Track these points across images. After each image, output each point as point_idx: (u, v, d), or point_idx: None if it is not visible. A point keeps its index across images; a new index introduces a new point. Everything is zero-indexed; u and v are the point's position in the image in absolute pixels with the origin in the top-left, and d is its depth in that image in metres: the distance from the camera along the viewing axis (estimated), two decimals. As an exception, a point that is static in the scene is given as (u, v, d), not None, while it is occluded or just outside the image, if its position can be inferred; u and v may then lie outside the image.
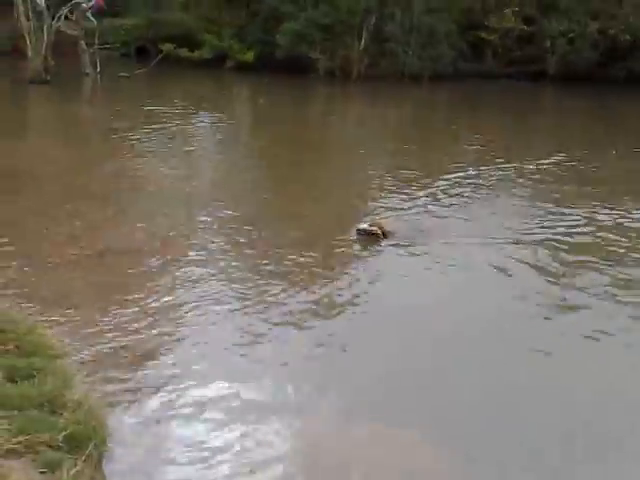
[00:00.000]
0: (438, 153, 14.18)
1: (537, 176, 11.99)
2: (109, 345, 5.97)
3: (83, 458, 3.89)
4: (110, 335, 6.18)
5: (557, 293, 7.41)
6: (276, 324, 6.53)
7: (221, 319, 6.62)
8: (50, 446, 3.99)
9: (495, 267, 7.99)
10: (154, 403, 5.20)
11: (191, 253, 8.20)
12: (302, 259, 8.02)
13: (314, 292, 7.21)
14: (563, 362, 6.06)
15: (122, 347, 6.05)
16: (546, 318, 6.88)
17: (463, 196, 10.73)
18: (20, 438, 3.83)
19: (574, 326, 6.74)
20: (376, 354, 6.08)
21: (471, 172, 12.03)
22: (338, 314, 6.85)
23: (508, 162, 12.76)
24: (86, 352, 5.75)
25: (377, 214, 9.82)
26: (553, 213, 9.94)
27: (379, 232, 8.76)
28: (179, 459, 4.61)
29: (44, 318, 6.02)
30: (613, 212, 10.01)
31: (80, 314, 6.52)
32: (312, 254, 8.17)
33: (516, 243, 8.73)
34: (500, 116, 18.51)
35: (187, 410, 5.12)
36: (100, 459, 4.16)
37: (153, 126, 14.75)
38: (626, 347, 6.40)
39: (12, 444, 3.74)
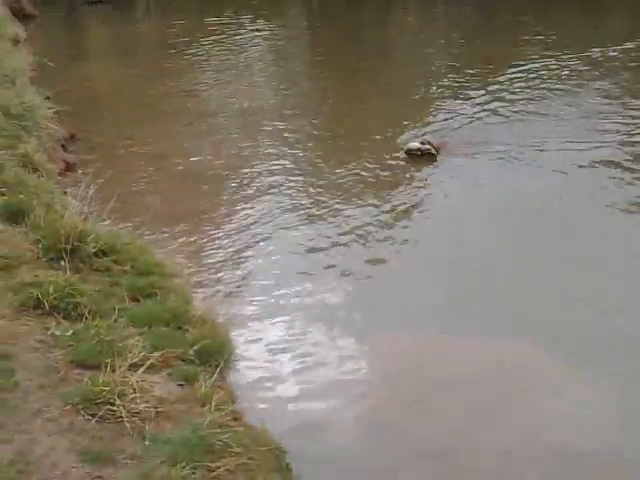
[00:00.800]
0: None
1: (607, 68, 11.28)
2: (211, 262, 6.11)
3: (217, 371, 4.04)
4: (209, 252, 6.34)
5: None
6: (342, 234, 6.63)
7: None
8: (183, 360, 4.15)
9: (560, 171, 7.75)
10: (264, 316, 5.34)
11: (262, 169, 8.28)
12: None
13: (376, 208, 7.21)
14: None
15: (221, 263, 6.22)
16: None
17: (528, 92, 10.21)
18: (156, 354, 3.97)
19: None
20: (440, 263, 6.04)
21: (536, 65, 11.38)
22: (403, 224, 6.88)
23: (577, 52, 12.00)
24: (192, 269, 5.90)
25: (432, 123, 9.34)
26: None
27: (432, 150, 8.19)
28: (292, 373, 4.76)
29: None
30: None
31: (173, 234, 6.69)
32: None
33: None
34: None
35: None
36: (227, 372, 4.31)
37: (211, 39, 14.55)
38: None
39: (151, 360, 3.88)
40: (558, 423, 4.24)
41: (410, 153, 8.20)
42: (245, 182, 7.98)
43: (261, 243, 6.62)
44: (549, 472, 3.90)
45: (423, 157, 8.15)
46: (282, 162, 8.55)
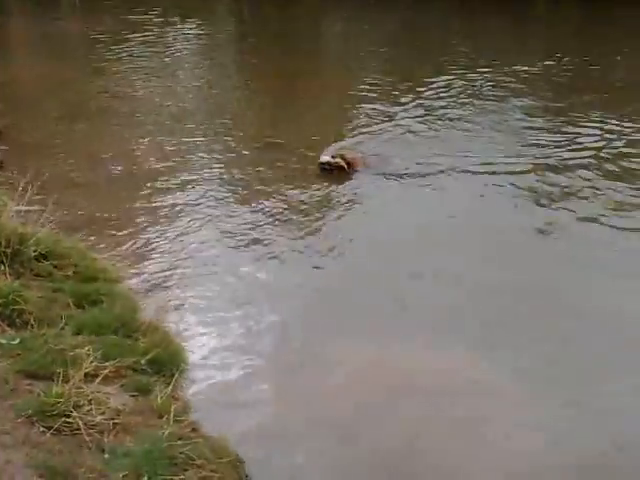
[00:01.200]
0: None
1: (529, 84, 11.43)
2: (154, 266, 6.02)
3: (173, 381, 3.98)
4: (150, 257, 6.25)
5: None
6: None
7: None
8: (135, 370, 4.07)
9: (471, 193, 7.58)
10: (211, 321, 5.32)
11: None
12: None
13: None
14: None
15: (163, 267, 6.13)
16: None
17: (452, 109, 10.14)
18: (108, 364, 3.87)
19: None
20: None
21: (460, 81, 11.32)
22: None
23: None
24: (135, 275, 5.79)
25: (347, 137, 9.13)
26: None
27: (343, 164, 7.98)
28: (248, 374, 4.77)
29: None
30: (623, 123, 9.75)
31: (103, 239, 6.53)
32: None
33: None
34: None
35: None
36: (181, 381, 4.26)
37: (139, 37, 14.25)
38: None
39: (103, 371, 3.78)
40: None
41: (322, 167, 8.02)
42: (175, 184, 7.88)
43: (199, 246, 6.58)
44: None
45: (334, 171, 7.95)
46: (207, 165, 8.50)
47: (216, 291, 5.79)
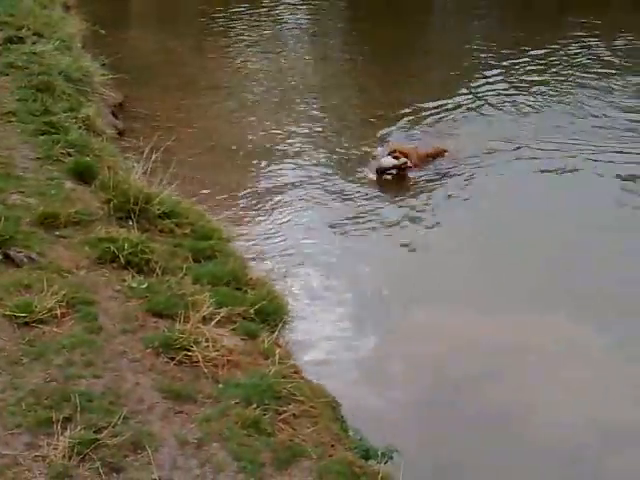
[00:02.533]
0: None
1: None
2: (261, 232, 6.52)
3: (278, 329, 4.41)
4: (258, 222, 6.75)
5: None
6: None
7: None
8: (244, 318, 4.52)
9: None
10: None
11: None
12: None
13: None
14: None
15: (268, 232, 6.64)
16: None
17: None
18: (223, 309, 4.33)
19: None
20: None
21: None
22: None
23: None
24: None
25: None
26: None
27: (410, 163, 7.27)
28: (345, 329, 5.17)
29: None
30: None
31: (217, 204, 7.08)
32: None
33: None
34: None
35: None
36: (284, 331, 4.68)
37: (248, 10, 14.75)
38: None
39: (217, 315, 4.24)
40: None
41: (384, 172, 7.29)
42: (287, 160, 8.34)
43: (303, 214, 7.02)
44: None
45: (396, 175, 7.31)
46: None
47: (318, 258, 6.20)
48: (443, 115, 9.33)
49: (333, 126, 9.31)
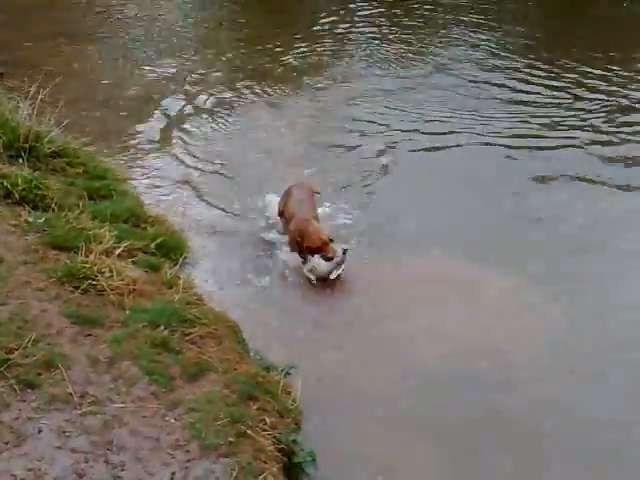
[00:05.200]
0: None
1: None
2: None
3: (180, 261, 4.57)
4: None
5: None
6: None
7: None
8: (145, 252, 4.63)
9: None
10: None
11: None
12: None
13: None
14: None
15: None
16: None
17: None
18: (123, 243, 4.42)
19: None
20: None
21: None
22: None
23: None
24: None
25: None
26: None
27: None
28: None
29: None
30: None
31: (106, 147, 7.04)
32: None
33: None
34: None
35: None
36: (184, 265, 4.84)
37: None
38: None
39: (121, 248, 4.34)
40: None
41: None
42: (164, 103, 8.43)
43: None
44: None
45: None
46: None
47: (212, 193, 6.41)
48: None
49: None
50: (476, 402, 4.28)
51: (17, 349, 3.30)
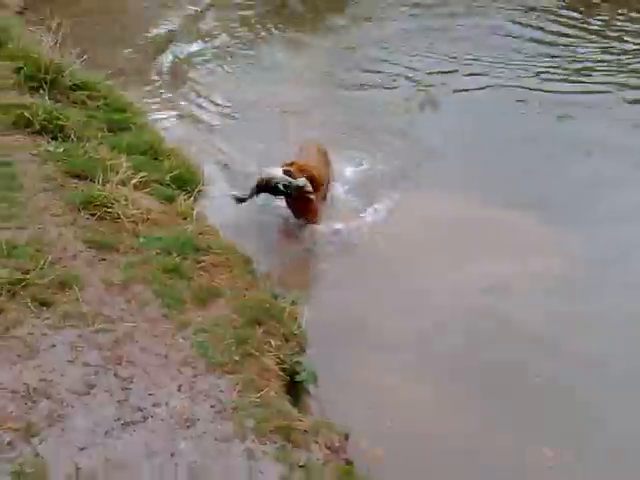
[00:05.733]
0: None
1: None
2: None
3: (194, 193, 4.65)
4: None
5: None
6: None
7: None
8: (160, 184, 4.72)
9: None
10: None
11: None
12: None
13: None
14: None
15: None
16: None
17: None
18: (140, 174, 4.51)
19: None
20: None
21: None
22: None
23: None
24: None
25: None
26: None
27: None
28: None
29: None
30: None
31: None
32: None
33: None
34: None
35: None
36: (199, 198, 4.92)
37: None
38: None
39: (136, 178, 4.43)
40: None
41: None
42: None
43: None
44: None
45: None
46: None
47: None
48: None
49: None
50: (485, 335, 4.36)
51: (33, 270, 3.44)
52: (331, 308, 4.49)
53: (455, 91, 7.56)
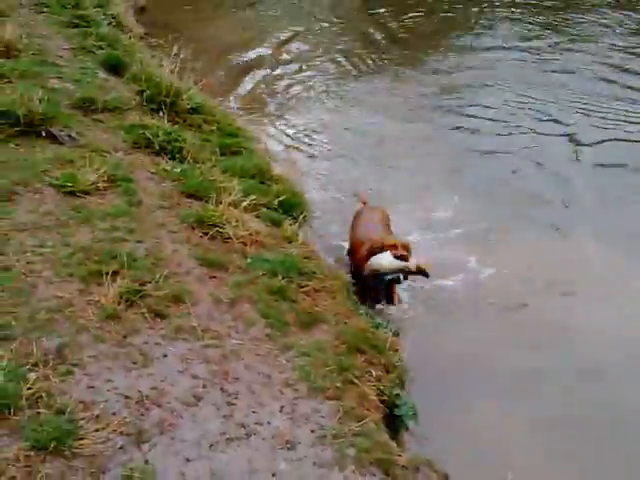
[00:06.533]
0: None
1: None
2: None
3: (300, 218, 4.77)
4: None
5: None
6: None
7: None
8: (268, 208, 4.87)
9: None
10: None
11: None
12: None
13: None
14: None
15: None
16: None
17: None
18: (250, 197, 4.66)
19: None
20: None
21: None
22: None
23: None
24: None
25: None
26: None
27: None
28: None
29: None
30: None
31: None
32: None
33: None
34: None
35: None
36: (303, 224, 5.03)
37: None
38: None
39: (247, 201, 4.58)
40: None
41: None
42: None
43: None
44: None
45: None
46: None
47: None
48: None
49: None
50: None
51: (150, 282, 3.61)
52: (430, 339, 4.47)
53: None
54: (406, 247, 4.68)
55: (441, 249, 5.43)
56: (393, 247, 4.62)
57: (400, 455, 2.94)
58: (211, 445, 2.87)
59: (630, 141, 7.30)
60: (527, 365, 4.31)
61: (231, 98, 7.72)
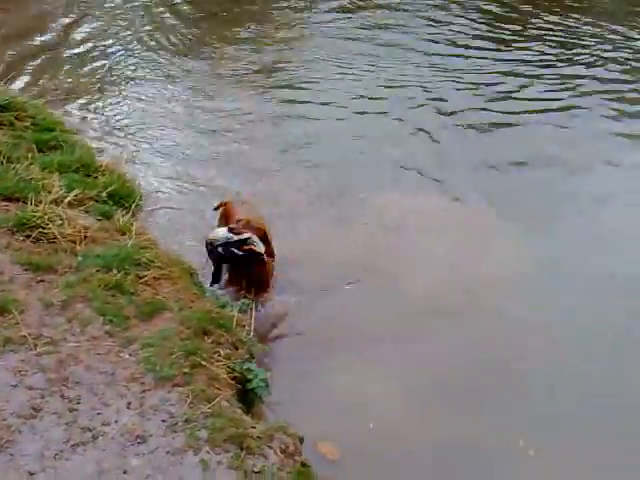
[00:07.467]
0: None
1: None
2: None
3: (132, 208, 4.59)
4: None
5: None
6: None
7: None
8: (96, 201, 4.64)
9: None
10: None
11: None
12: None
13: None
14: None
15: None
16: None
17: None
18: (73, 192, 4.43)
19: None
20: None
21: None
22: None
23: None
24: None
25: None
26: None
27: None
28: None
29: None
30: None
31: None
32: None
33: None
34: None
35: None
36: (137, 213, 4.85)
37: None
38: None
39: (70, 196, 4.35)
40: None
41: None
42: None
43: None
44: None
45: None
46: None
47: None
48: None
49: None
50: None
51: (-31, 292, 3.34)
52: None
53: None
54: (253, 227, 4.46)
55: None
56: (239, 222, 4.47)
57: (254, 427, 2.94)
58: (55, 455, 2.72)
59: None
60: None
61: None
